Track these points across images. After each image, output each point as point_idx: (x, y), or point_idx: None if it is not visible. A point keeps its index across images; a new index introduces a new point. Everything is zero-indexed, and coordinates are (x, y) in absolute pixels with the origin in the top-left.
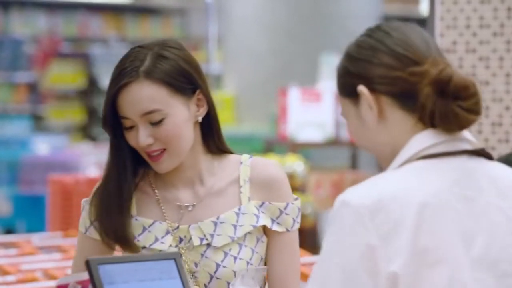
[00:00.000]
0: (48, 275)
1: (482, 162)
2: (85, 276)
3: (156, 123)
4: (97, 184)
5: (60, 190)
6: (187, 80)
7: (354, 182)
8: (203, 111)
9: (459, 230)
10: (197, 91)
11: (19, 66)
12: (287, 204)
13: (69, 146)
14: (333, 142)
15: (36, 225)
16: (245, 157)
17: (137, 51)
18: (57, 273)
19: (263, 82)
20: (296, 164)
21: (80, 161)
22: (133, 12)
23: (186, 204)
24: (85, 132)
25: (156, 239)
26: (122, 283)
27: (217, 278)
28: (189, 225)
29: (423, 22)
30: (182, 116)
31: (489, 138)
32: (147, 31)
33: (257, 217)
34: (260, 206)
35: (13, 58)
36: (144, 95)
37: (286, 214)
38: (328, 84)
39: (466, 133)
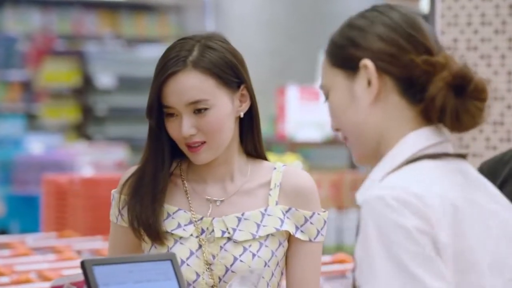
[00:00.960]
0: (42, 277)
1: (466, 164)
2: (80, 277)
3: (200, 114)
4: (128, 173)
5: (55, 190)
6: (233, 73)
7: (354, 182)
8: (245, 106)
9: (477, 236)
10: (242, 86)
11: (12, 64)
12: (313, 213)
13: (63, 145)
14: (332, 142)
15: (30, 226)
16: (279, 164)
17: (183, 42)
18: (52, 274)
19: (261, 81)
20: (294, 164)
21: (74, 160)
22: (128, 9)
23: (215, 199)
24: (80, 131)
25: (179, 225)
26: (117, 284)
27: (232, 272)
28: (213, 218)
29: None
30: (226, 109)
31: (491, 137)
32: (143, 28)
33: (282, 221)
34: (287, 211)
35: (7, 56)
36: (191, 85)
37: (311, 223)
38: None
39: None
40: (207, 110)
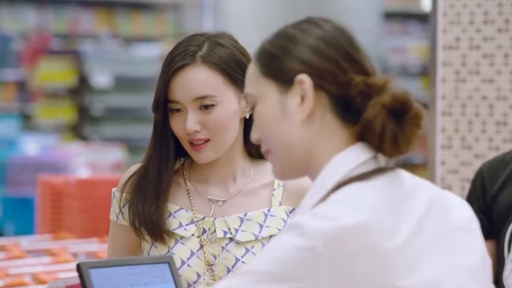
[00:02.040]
0: (37, 280)
1: (400, 175)
2: (76, 280)
3: (206, 110)
4: (130, 171)
5: (50, 192)
6: (241, 71)
7: None
8: (239, 110)
9: (436, 246)
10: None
11: (7, 63)
12: None
13: (59, 146)
14: None
15: (25, 228)
16: None
17: (192, 37)
18: (47, 277)
19: None
20: None
21: (70, 161)
22: (125, 7)
23: (217, 199)
24: (75, 132)
25: (180, 225)
26: (114, 287)
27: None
28: (215, 218)
29: (425, 18)
30: (232, 107)
31: (494, 138)
32: (140, 27)
33: (285, 222)
34: (290, 212)
35: (1, 55)
36: (200, 79)
37: None
38: None
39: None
40: (213, 106)
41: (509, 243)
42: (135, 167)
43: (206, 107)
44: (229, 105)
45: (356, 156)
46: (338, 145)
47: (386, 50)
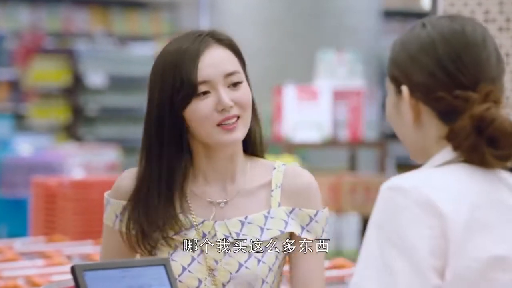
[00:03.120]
0: (31, 283)
1: (507, 174)
2: (70, 283)
3: (235, 88)
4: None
5: (44, 193)
6: (242, 58)
7: (353, 185)
8: (251, 94)
9: (503, 234)
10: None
11: (0, 62)
12: (317, 211)
13: (53, 146)
14: (331, 143)
15: (18, 230)
16: (278, 163)
17: (191, 31)
18: (40, 280)
19: (258, 80)
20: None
21: (64, 162)
22: (120, 6)
23: (218, 201)
24: (70, 132)
25: (180, 230)
26: None
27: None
28: (215, 221)
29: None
30: (248, 86)
31: None
32: (135, 26)
33: (286, 223)
34: (290, 212)
35: None
36: (226, 57)
37: (316, 222)
38: (325, 82)
39: None
40: (241, 84)
41: None
42: (132, 172)
43: (235, 84)
44: (247, 85)
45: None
46: (444, 141)
47: (385, 49)
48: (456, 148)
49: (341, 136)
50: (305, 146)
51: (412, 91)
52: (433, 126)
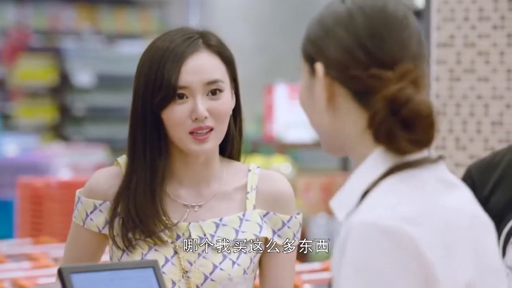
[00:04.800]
0: (17, 285)
1: (441, 168)
2: (56, 285)
3: (214, 97)
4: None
5: (30, 194)
6: (232, 65)
7: None
8: (233, 104)
9: (466, 247)
10: (233, 83)
11: None
12: (291, 217)
13: (39, 146)
14: None
15: (4, 232)
16: (253, 166)
17: (181, 29)
18: (27, 283)
19: (248, 78)
20: (283, 166)
21: (51, 163)
22: (108, 3)
23: (193, 204)
24: (56, 132)
25: (153, 232)
26: None
27: (211, 280)
28: (189, 223)
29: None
30: (230, 97)
31: (489, 138)
32: (124, 24)
33: (261, 227)
34: (264, 215)
35: None
36: (211, 64)
37: (288, 227)
38: None
39: None
40: (221, 93)
41: (503, 246)
42: (106, 171)
43: (214, 93)
44: (229, 95)
45: (382, 161)
46: (360, 132)
47: None
48: (375, 137)
49: None
50: (297, 146)
51: (327, 69)
52: (350, 112)
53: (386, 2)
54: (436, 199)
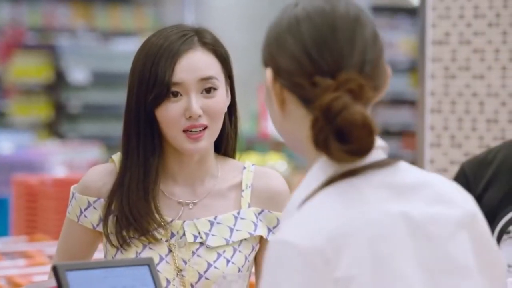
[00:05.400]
0: (12, 283)
1: (397, 171)
2: (52, 283)
3: (208, 94)
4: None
5: (25, 192)
6: (227, 62)
7: None
8: (228, 102)
9: (406, 255)
10: (229, 81)
11: None
12: None
13: (34, 144)
14: None
15: None
16: (248, 163)
17: (176, 26)
18: (22, 280)
19: (244, 76)
20: (278, 163)
21: (46, 160)
22: (103, 1)
23: (187, 202)
24: (51, 130)
25: (147, 230)
26: None
27: (206, 279)
28: (184, 221)
29: (413, 12)
30: (225, 95)
31: (484, 136)
32: (118, 21)
33: (255, 225)
34: (259, 213)
35: None
36: (205, 61)
37: None
38: None
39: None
40: (215, 91)
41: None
42: (100, 168)
43: (208, 90)
44: (223, 92)
45: (329, 166)
46: (308, 138)
47: None
48: (315, 145)
49: None
50: None
51: (276, 75)
52: (300, 117)
53: (335, 8)
54: (373, 209)
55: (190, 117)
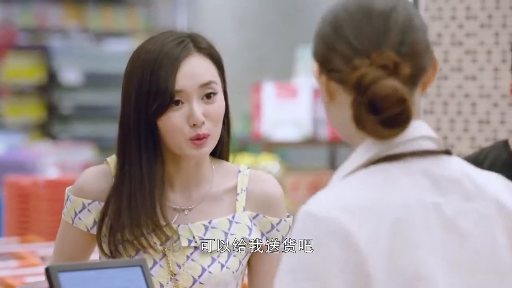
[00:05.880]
0: (4, 284)
1: (440, 162)
2: (44, 284)
3: (209, 100)
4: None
5: (17, 193)
6: (222, 65)
7: None
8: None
9: (430, 244)
10: (223, 84)
11: None
12: (280, 220)
13: (26, 145)
14: (311, 141)
15: None
16: (243, 166)
17: (170, 32)
18: (14, 282)
19: (236, 77)
20: (271, 164)
21: (38, 161)
22: (95, 1)
23: (183, 208)
24: (44, 131)
25: (142, 233)
26: None
27: (200, 283)
28: (178, 225)
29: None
30: (223, 99)
31: (476, 137)
32: (111, 22)
33: (250, 229)
34: (254, 218)
35: None
36: (203, 66)
37: (277, 230)
38: (305, 79)
39: (421, 128)
40: (215, 96)
41: None
42: (96, 170)
43: (209, 96)
44: (222, 96)
45: (373, 145)
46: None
47: None
48: (356, 125)
49: (321, 134)
50: (284, 145)
51: (320, 68)
52: (346, 104)
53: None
54: (402, 194)
55: (194, 124)
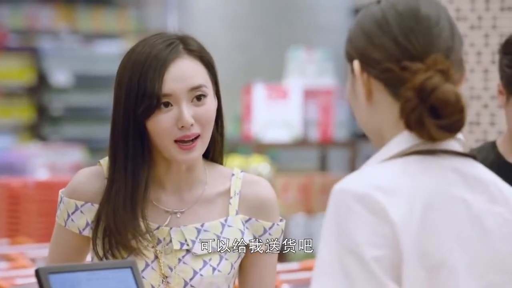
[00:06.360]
0: None
1: (470, 164)
2: (34, 286)
3: (199, 102)
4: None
5: (7, 195)
6: (213, 67)
7: (323, 185)
8: (215, 107)
9: (456, 235)
10: (214, 87)
11: None
12: (273, 224)
13: (16, 147)
14: (301, 143)
15: None
16: (237, 170)
17: (160, 34)
18: (4, 283)
19: (226, 78)
20: (261, 166)
21: (28, 163)
22: (85, 2)
23: (175, 211)
24: (34, 132)
25: (134, 235)
26: None
27: (191, 286)
28: (171, 228)
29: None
30: (213, 101)
31: (466, 138)
32: (101, 23)
33: (242, 233)
34: (246, 221)
35: None
36: (193, 69)
37: (270, 234)
38: (295, 81)
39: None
40: (205, 98)
41: None
42: (89, 171)
43: (199, 98)
44: (212, 99)
45: (411, 138)
46: (396, 123)
47: None
48: (407, 125)
49: (312, 135)
50: (275, 146)
51: (362, 65)
52: (387, 105)
53: (418, 2)
54: (435, 184)
55: (182, 127)
